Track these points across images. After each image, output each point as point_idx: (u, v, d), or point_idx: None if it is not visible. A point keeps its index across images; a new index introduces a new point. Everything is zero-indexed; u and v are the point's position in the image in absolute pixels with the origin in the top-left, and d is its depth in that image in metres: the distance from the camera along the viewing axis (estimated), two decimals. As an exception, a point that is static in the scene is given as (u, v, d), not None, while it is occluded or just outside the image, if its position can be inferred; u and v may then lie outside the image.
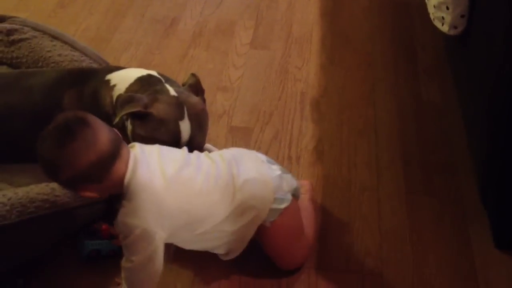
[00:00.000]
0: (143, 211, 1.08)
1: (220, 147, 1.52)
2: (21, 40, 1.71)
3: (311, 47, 2.05)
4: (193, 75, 1.38)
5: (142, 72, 1.37)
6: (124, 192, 1.09)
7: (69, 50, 1.69)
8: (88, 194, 1.10)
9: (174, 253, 1.33)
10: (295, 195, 1.27)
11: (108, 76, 1.37)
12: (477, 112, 1.44)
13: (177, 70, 1.94)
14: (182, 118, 1.25)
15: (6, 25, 1.74)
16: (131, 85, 1.32)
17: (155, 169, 1.11)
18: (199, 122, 1.29)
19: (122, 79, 1.35)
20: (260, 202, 1.18)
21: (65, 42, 1.72)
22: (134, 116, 1.24)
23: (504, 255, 1.35)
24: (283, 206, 1.21)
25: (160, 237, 1.11)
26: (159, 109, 1.23)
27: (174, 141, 1.24)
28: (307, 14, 2.24)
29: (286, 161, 1.60)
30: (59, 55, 1.67)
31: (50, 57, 1.67)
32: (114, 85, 1.34)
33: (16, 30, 1.73)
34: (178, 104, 1.25)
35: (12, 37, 1.72)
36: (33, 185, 1.27)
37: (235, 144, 1.65)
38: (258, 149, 1.63)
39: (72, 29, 2.12)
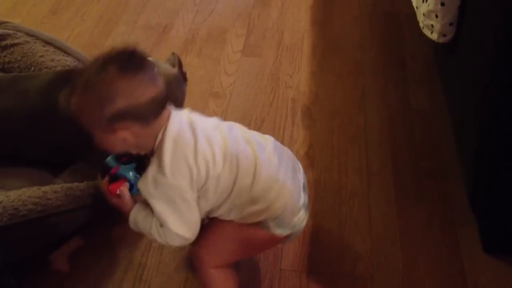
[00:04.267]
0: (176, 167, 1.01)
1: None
2: (13, 45, 1.71)
3: (302, 55, 2.07)
4: (173, 53, 1.42)
5: None
6: (156, 147, 1.02)
7: (62, 55, 1.70)
8: (124, 135, 0.99)
9: (166, 257, 1.34)
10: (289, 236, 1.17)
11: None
12: (466, 118, 1.47)
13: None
14: None
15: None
16: None
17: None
18: (171, 84, 1.29)
19: None
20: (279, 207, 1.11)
21: (58, 48, 1.72)
22: None
23: (491, 259, 1.36)
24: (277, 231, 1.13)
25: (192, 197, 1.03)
26: None
27: None
28: (298, 22, 2.27)
29: (278, 166, 1.62)
30: (52, 60, 1.68)
31: (42, 62, 1.67)
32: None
33: (8, 35, 1.73)
34: None
35: (4, 42, 1.72)
36: (25, 188, 1.27)
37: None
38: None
39: (65, 35, 2.13)
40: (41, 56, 1.68)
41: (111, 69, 0.97)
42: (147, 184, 1.02)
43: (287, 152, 1.20)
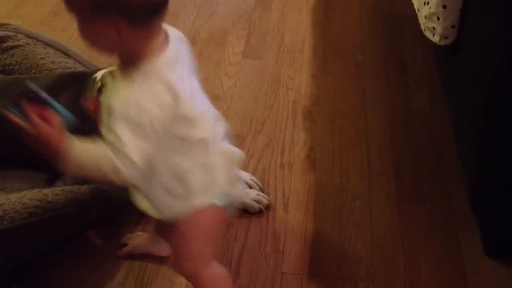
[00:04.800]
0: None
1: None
2: (14, 47, 1.71)
3: (303, 57, 2.07)
4: None
5: None
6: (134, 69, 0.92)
7: (62, 57, 1.70)
8: (107, 30, 0.88)
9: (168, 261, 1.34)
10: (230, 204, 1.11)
11: (95, 74, 1.37)
12: (467, 120, 1.46)
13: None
14: None
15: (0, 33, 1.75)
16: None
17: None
18: None
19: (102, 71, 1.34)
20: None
21: (58, 49, 1.72)
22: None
23: (493, 262, 1.36)
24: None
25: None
26: None
27: None
28: (299, 24, 2.27)
29: (279, 169, 1.61)
30: (52, 62, 1.68)
31: (43, 64, 1.67)
32: (96, 77, 1.33)
33: (9, 37, 1.73)
34: None
35: (5, 44, 1.72)
36: (26, 191, 1.27)
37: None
38: (251, 157, 1.65)
39: (65, 37, 2.12)
40: (41, 58, 1.69)
41: None
42: (124, 102, 0.90)
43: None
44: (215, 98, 1.86)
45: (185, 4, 2.38)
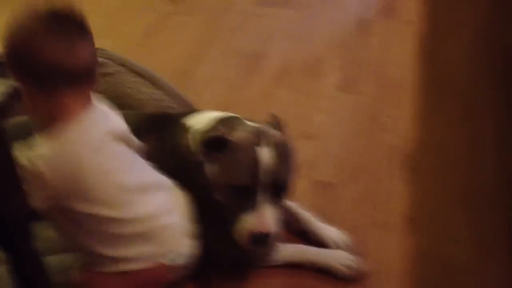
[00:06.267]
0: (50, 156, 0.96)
1: (297, 201, 1.39)
2: (106, 74, 1.67)
3: (406, 94, 1.86)
4: (273, 115, 1.31)
5: (219, 113, 1.33)
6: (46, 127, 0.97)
7: (150, 88, 1.64)
8: (22, 89, 0.95)
9: None
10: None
11: (185, 120, 1.32)
12: None
13: (258, 110, 1.81)
14: (260, 144, 1.17)
15: (91, 58, 1.72)
16: (208, 124, 1.26)
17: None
18: (281, 152, 1.19)
19: (199, 120, 1.30)
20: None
21: (147, 79, 1.67)
22: (211, 148, 1.19)
23: None
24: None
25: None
26: (235, 135, 1.18)
27: (252, 170, 1.15)
28: (402, 54, 2.06)
29: (372, 227, 1.42)
30: (140, 92, 1.62)
31: (131, 93, 1.62)
32: (191, 127, 1.29)
33: (102, 64, 1.70)
34: (256, 132, 1.19)
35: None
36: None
37: (314, 199, 1.49)
38: (340, 210, 1.47)
39: (156, 59, 2.06)
40: (129, 87, 1.63)
41: (40, 15, 0.94)
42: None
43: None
44: (303, 136, 1.71)
45: (279, 28, 2.26)
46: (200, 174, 1.22)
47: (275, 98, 1.88)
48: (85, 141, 0.99)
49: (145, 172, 1.13)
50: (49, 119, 0.97)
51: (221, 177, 1.18)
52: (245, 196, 1.15)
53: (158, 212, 1.10)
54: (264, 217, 1.14)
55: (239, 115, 1.31)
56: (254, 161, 1.15)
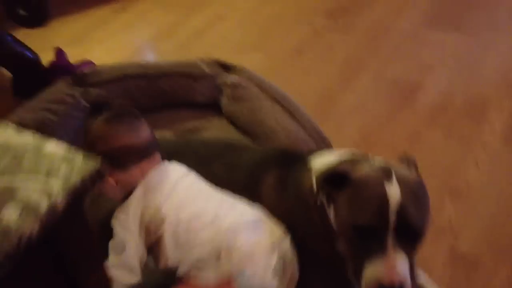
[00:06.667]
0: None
1: (434, 275, 1.21)
2: (243, 98, 1.64)
3: None
4: (406, 154, 1.13)
5: (349, 151, 1.19)
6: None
7: (287, 118, 1.56)
8: (111, 180, 1.15)
9: None
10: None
11: (311, 158, 1.21)
12: None
13: (402, 152, 1.64)
14: (389, 179, 1.00)
15: (233, 78, 1.69)
16: (332, 162, 1.13)
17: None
18: (413, 192, 1.00)
19: (325, 160, 1.17)
20: None
21: (286, 108, 1.58)
22: (332, 186, 1.05)
23: None
24: None
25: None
26: (359, 170, 1.04)
27: (380, 209, 0.98)
28: None
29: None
30: (276, 122, 1.55)
31: (265, 121, 1.55)
32: (315, 167, 1.16)
33: (241, 86, 1.66)
34: (384, 168, 1.03)
35: (236, 93, 1.65)
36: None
37: (453, 276, 1.29)
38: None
39: (302, 80, 1.99)
40: (265, 115, 1.57)
41: (99, 120, 1.19)
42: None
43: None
44: (450, 192, 1.50)
45: (444, 56, 2.03)
46: (322, 219, 1.10)
47: (426, 141, 1.69)
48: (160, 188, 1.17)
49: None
50: (130, 188, 1.16)
51: (344, 219, 1.04)
52: (372, 238, 0.99)
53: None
54: (396, 265, 0.96)
55: (379, 155, 1.15)
56: (382, 197, 0.98)
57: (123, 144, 1.16)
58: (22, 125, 1.52)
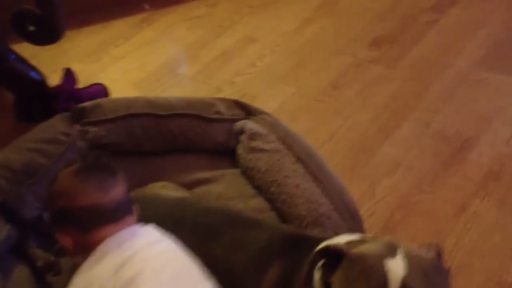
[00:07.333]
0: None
1: None
2: (261, 150, 1.41)
3: None
4: (434, 245, 0.93)
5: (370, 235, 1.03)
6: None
7: (311, 182, 1.32)
8: (65, 241, 1.01)
9: None
10: None
11: (319, 245, 1.02)
12: None
13: (446, 231, 1.38)
14: (392, 256, 0.87)
15: (253, 126, 1.46)
16: None
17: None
18: (423, 270, 0.86)
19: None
20: None
21: (309, 170, 1.35)
22: (328, 266, 0.92)
23: None
24: None
25: None
26: (358, 248, 0.92)
27: (378, 284, 0.86)
28: None
29: None
30: (297, 186, 1.31)
31: (284, 185, 1.33)
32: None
33: (260, 135, 1.44)
34: (389, 244, 0.91)
35: (253, 143, 1.43)
36: None
37: None
38: None
39: (334, 122, 1.74)
40: (285, 177, 1.34)
41: (68, 171, 1.03)
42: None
43: None
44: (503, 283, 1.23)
45: (506, 106, 1.73)
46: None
47: (474, 215, 1.42)
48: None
49: None
50: (89, 252, 0.99)
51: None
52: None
53: None
54: None
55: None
56: (380, 271, 0.85)
57: (88, 203, 1.00)
58: (8, 168, 1.35)
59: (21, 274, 1.25)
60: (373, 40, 2.07)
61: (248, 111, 1.52)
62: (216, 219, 1.18)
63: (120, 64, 2.06)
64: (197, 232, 1.15)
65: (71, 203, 1.00)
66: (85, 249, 1.00)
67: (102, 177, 1.03)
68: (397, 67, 1.94)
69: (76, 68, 1.84)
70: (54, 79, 1.80)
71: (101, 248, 0.98)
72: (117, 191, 1.03)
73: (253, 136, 1.44)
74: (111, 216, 1.01)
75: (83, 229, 1.00)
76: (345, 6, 2.28)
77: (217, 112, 1.51)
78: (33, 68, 1.71)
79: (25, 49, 1.74)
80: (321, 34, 2.13)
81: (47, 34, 1.68)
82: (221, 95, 1.86)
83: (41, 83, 1.72)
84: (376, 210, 1.43)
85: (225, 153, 1.49)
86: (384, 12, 2.21)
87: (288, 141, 1.41)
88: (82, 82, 1.83)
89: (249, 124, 1.47)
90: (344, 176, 1.49)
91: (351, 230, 1.25)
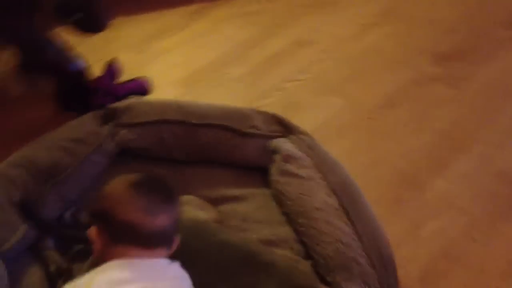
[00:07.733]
0: None
1: None
2: (294, 175, 1.29)
3: None
4: None
5: None
6: None
7: (342, 221, 1.19)
8: (95, 238, 0.98)
9: None
10: None
11: None
12: None
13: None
14: None
15: (289, 147, 1.34)
16: None
17: None
18: None
19: None
20: None
21: (343, 206, 1.22)
22: None
23: None
24: None
25: None
26: None
27: None
28: None
29: None
30: (327, 222, 1.19)
31: (313, 218, 1.21)
32: None
33: (295, 158, 1.31)
34: None
35: (287, 166, 1.31)
36: None
37: None
38: None
39: (384, 146, 1.58)
40: (317, 210, 1.22)
41: (129, 178, 0.99)
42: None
43: None
44: None
45: None
46: None
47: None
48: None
49: None
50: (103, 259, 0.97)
51: None
52: None
53: None
54: None
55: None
56: None
57: (129, 219, 0.95)
58: (33, 163, 1.30)
59: (32, 277, 1.21)
60: (439, 54, 1.88)
61: (287, 128, 1.40)
62: (231, 257, 1.08)
63: (166, 58, 1.97)
64: (211, 271, 1.06)
65: (114, 211, 0.96)
66: (107, 255, 0.97)
67: (157, 199, 0.98)
68: (463, 89, 1.75)
69: (122, 58, 1.78)
70: (97, 69, 1.74)
71: (114, 263, 0.94)
72: (164, 219, 0.97)
73: (287, 158, 1.32)
74: (145, 241, 0.96)
75: (113, 238, 0.96)
76: (410, 13, 2.08)
77: (253, 126, 1.40)
78: (74, 59, 1.66)
79: (71, 37, 1.69)
80: (381, 43, 1.95)
81: (91, 24, 1.63)
82: (265, 101, 1.75)
83: (80, 76, 1.67)
84: (417, 256, 1.27)
85: (255, 170, 1.39)
86: (454, 23, 2.01)
87: (324, 169, 1.29)
88: (127, 73, 1.77)
89: (285, 145, 1.35)
90: (385, 211, 1.35)
91: (380, 279, 1.12)
